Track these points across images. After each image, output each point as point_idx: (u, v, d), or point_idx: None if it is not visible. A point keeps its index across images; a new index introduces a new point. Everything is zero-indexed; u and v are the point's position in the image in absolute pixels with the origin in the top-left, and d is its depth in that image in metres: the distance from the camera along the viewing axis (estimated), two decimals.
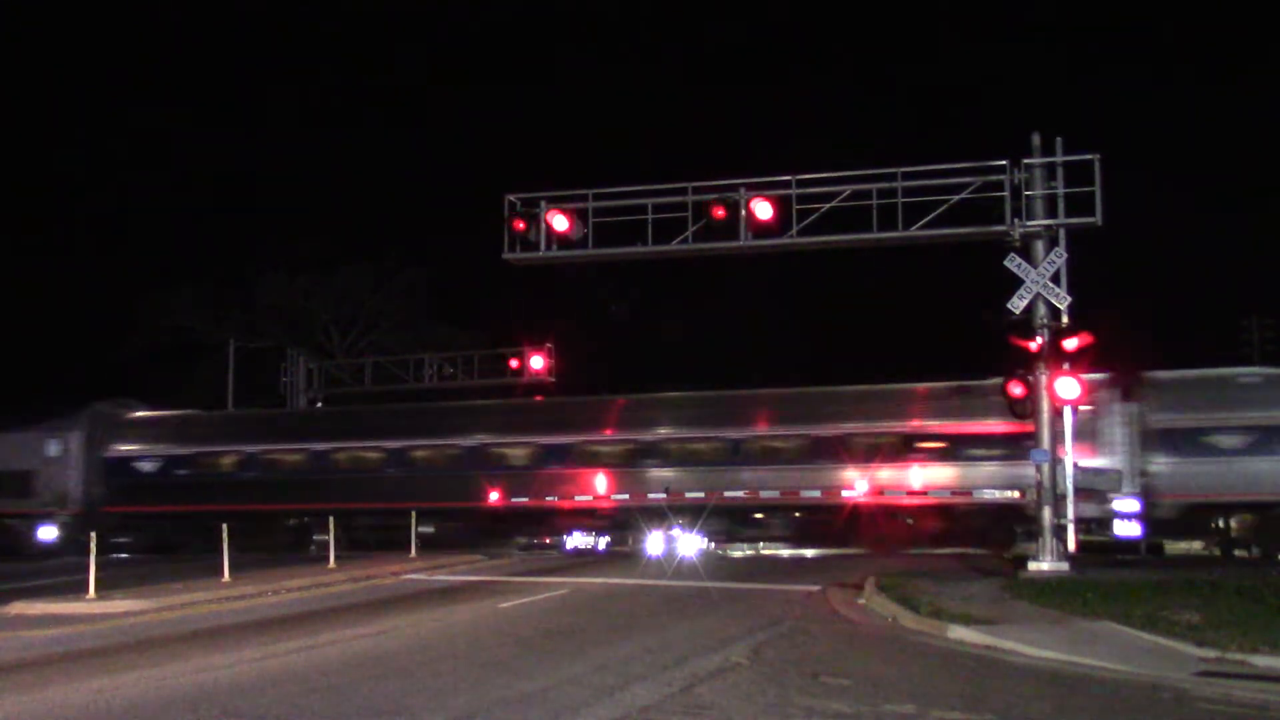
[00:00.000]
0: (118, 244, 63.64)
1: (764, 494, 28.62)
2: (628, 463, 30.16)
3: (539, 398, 36.66)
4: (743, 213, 21.49)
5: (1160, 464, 26.00)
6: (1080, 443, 22.27)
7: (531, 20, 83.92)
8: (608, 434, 30.86)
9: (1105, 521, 25.71)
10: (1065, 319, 20.26)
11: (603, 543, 31.26)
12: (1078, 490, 20.68)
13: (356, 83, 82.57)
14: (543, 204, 22.59)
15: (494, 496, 30.60)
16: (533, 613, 16.75)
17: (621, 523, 30.19)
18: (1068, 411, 20.76)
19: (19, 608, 17.99)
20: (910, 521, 28.46)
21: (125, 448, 34.36)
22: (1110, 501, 25.08)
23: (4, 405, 41.08)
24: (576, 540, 31.43)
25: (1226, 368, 28.98)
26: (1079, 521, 21.19)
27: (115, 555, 30.60)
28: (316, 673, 11.48)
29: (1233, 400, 26.15)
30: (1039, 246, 20.51)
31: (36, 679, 11.58)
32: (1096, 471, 22.63)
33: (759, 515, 30.12)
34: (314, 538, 31.52)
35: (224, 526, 22.96)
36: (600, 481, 30.13)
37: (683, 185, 22.11)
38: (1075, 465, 20.79)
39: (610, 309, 48.10)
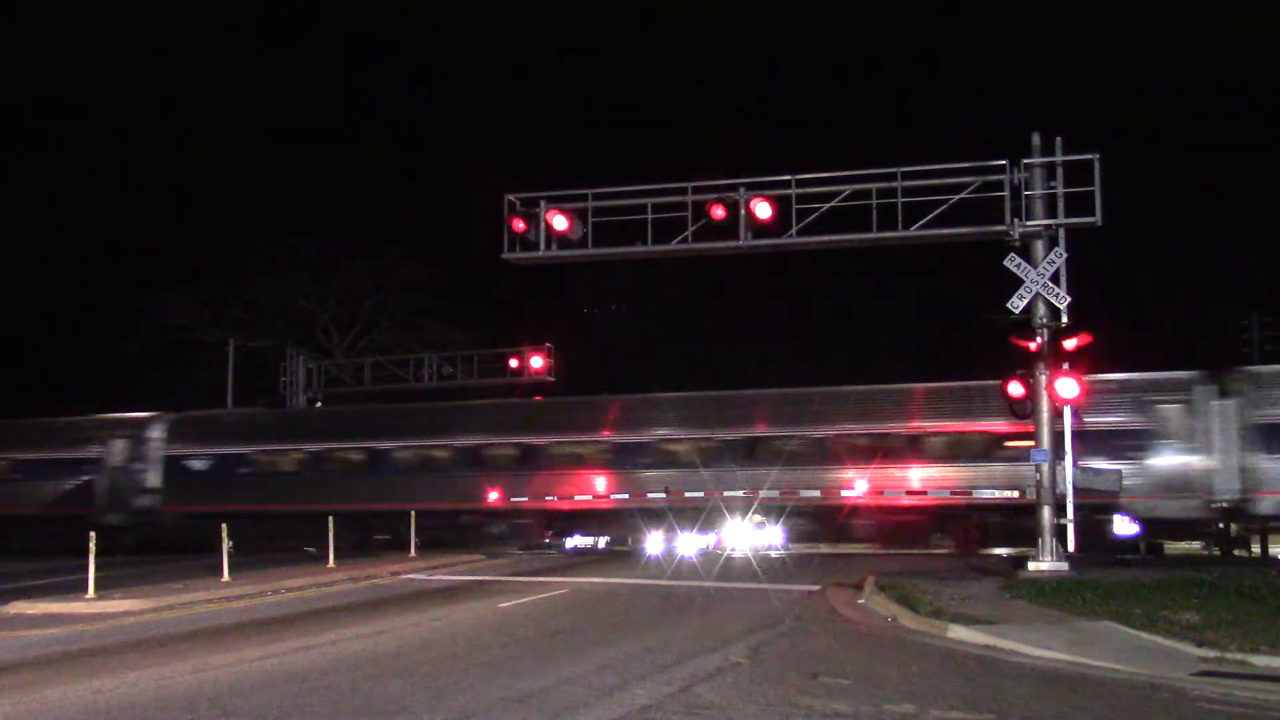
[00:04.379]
0: (118, 244, 63.65)
1: (763, 494, 28.62)
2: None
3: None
4: (742, 212, 21.46)
5: None
6: None
7: (531, 20, 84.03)
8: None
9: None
10: (1065, 319, 20.24)
11: (603, 542, 31.29)
12: (1078, 490, 20.67)
13: (356, 82, 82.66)
14: (543, 204, 22.56)
15: (493, 496, 30.62)
16: (532, 612, 16.75)
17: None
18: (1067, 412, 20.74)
19: (19, 607, 18.01)
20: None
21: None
22: None
23: None
24: (576, 540, 31.44)
25: None
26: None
27: None
28: (316, 672, 11.48)
29: None
30: (1039, 246, 20.47)
31: (36, 679, 11.58)
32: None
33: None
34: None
35: (223, 527, 22.83)
36: (600, 482, 30.14)
37: (682, 185, 22.06)
38: (1075, 465, 20.77)
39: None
